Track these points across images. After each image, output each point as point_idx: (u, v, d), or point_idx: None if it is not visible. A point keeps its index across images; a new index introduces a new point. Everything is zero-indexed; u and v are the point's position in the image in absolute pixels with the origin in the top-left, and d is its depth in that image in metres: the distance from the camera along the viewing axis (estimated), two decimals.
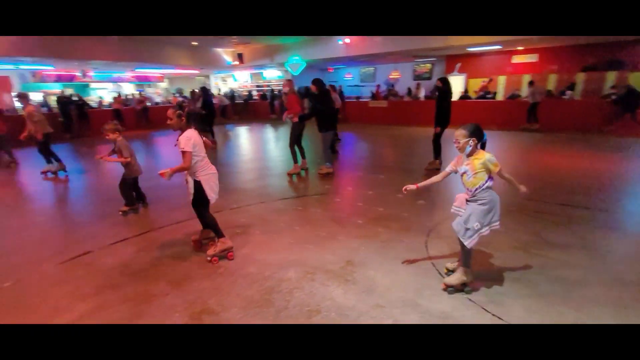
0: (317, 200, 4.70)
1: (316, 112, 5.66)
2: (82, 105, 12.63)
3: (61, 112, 11.90)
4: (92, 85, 18.35)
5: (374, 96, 15.05)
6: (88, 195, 5.60)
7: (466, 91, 13.74)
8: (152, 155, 9.12)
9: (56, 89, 16.39)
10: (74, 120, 12.11)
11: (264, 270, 2.85)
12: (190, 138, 2.79)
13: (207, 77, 21.72)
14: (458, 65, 14.74)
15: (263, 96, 18.62)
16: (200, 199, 2.96)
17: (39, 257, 3.24)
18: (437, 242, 3.26)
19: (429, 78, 16.40)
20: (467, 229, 2.32)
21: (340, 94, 15.83)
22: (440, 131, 5.84)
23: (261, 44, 16.23)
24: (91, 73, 16.57)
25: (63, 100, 12.12)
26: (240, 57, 15.74)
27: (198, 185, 2.90)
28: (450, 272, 2.65)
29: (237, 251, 3.20)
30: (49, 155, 6.29)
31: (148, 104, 14.92)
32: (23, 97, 6.40)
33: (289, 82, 6.09)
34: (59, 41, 11.79)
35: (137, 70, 17.65)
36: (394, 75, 17.45)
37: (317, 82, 5.56)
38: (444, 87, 5.75)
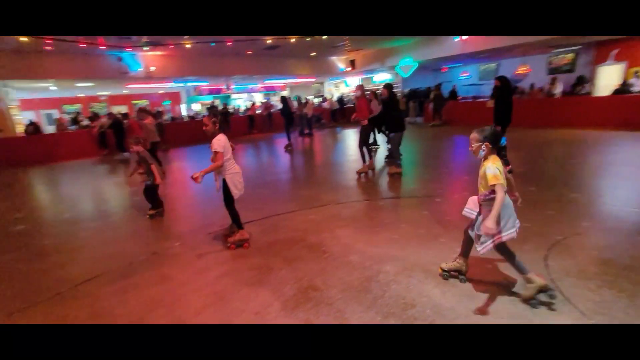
0: (420, 201, 4.61)
1: (384, 114, 5.97)
2: (225, 112, 15.27)
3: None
4: (233, 96, 21.92)
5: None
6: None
7: (624, 84, 10.95)
8: (272, 154, 10.38)
9: (208, 100, 20.25)
10: None
11: (364, 260, 3.02)
12: (221, 140, 3.16)
13: (322, 84, 23.25)
14: (614, 52, 11.88)
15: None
16: (225, 195, 3.33)
17: (194, 228, 4.19)
18: (561, 257, 2.83)
19: (571, 70, 13.71)
20: (479, 236, 2.23)
21: (453, 94, 14.76)
22: (501, 131, 5.46)
23: (372, 49, 16.48)
24: (233, 86, 19.82)
25: (212, 109, 14.92)
26: (352, 63, 16.34)
27: (224, 182, 3.28)
28: (445, 272, 2.61)
29: (341, 241, 3.46)
30: (155, 158, 7.73)
31: (272, 110, 16.94)
32: (143, 111, 7.90)
33: (360, 87, 6.41)
34: (213, 62, 14.56)
35: (266, 81, 20.27)
36: (522, 70, 15.24)
37: (388, 86, 5.92)
38: (503, 86, 5.64)
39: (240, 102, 22.07)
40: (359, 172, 6.22)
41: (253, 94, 22.25)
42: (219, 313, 2.44)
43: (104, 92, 19.09)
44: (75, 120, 15.77)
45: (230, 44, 11.73)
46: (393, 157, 6.11)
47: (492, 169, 2.09)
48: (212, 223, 4.27)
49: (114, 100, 20.35)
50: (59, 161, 10.78)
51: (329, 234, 3.68)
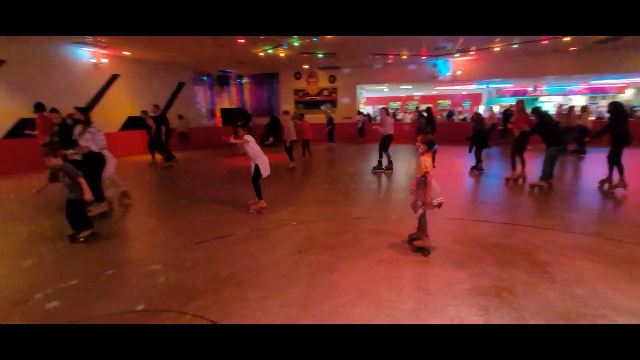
0: None
1: (536, 128, 6.04)
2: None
3: (503, 121, 13.89)
4: (541, 98, 19.01)
5: None
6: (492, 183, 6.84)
7: None
8: (561, 164, 8.57)
9: (508, 102, 18.87)
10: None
11: (592, 299, 2.56)
12: (248, 139, 4.65)
13: None
14: None
15: None
16: (255, 175, 4.78)
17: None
18: None
19: None
20: (414, 207, 3.45)
21: None
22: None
23: None
24: (543, 87, 17.23)
25: (506, 112, 14.03)
26: None
27: (256, 166, 4.75)
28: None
29: (577, 272, 2.99)
30: (290, 154, 8.61)
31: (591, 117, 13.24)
32: (286, 113, 9.25)
33: (520, 101, 6.94)
34: (523, 62, 13.45)
35: (592, 82, 15.89)
36: None
37: (535, 111, 6.16)
38: (615, 112, 5.70)
39: (550, 105, 18.78)
40: (507, 178, 6.65)
41: (572, 96, 18.16)
42: (420, 269, 3.14)
43: (417, 93, 22.69)
44: (393, 115, 20.23)
45: (546, 42, 10.41)
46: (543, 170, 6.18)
47: (424, 162, 3.18)
48: (459, 212, 4.81)
49: (424, 99, 23.66)
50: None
51: (568, 260, 3.21)
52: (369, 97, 22.95)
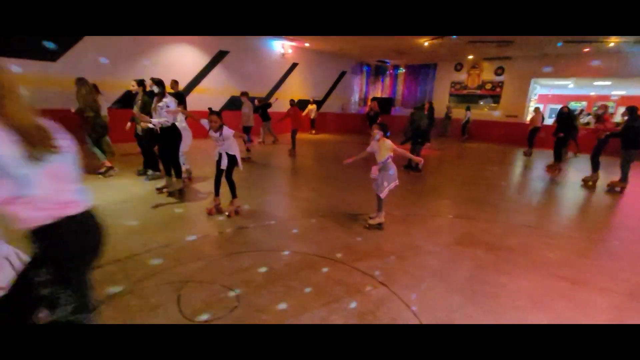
0: None
1: (622, 132, 6.09)
2: None
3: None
4: None
5: None
6: None
7: None
8: None
9: None
10: None
11: None
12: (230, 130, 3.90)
13: None
14: None
15: None
16: (232, 165, 4.03)
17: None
18: None
19: None
20: (380, 187, 3.72)
21: None
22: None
23: None
24: None
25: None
26: None
27: (234, 157, 3.99)
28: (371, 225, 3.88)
29: None
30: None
31: None
32: (244, 95, 8.22)
33: (604, 106, 7.03)
34: None
35: None
36: None
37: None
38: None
39: None
40: (585, 181, 6.50)
41: None
42: (620, 299, 2.62)
43: (617, 92, 17.34)
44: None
45: None
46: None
47: (388, 144, 3.66)
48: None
49: (627, 101, 17.91)
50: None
51: None
52: (542, 95, 19.05)
